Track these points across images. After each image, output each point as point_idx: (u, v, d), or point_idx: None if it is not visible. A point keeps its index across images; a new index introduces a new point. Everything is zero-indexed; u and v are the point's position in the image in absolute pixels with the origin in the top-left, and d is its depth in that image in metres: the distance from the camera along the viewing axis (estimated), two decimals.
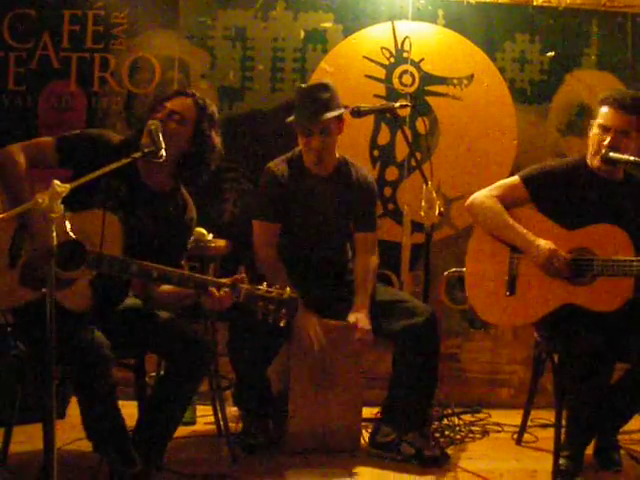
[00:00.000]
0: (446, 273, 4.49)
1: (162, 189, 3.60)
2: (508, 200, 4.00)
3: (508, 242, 3.95)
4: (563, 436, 3.79)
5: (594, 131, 3.88)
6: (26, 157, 3.34)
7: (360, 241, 4.37)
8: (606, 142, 3.80)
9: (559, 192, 3.94)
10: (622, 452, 4.07)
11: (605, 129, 3.82)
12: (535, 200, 4.00)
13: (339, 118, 4.18)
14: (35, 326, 3.18)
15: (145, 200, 3.55)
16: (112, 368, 3.28)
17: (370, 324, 4.09)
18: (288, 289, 3.30)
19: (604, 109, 3.84)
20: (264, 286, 3.32)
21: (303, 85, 4.29)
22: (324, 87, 4.16)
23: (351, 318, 4.10)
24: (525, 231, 3.89)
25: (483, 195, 4.05)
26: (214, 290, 3.30)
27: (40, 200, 2.65)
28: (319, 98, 4.09)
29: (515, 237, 3.91)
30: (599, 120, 3.85)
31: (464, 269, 4.07)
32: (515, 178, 4.06)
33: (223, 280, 3.34)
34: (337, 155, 4.29)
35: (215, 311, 3.56)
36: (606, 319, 3.68)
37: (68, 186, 2.72)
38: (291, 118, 4.21)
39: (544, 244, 3.82)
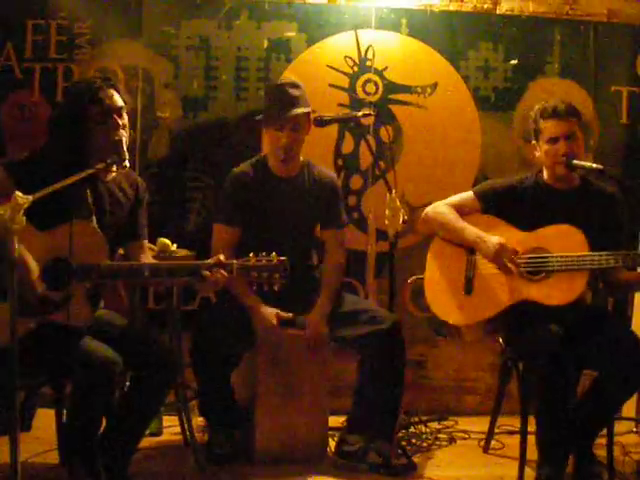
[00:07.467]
0: (409, 280, 4.50)
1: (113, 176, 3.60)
2: (462, 211, 4.10)
3: (462, 242, 4.03)
4: (538, 455, 3.76)
5: (544, 147, 3.98)
6: None
7: (327, 238, 4.39)
8: (561, 152, 3.92)
9: (511, 207, 4.04)
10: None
11: (554, 140, 3.94)
12: (487, 213, 4.09)
13: (308, 117, 4.22)
14: (43, 350, 3.20)
15: (107, 193, 3.55)
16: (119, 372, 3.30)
17: (324, 326, 4.13)
18: (274, 254, 3.39)
19: (546, 123, 3.96)
20: (252, 257, 3.40)
21: (272, 83, 4.35)
22: (294, 85, 4.21)
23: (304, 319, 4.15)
24: (477, 230, 3.99)
25: (437, 204, 4.17)
26: (208, 273, 3.33)
27: (1, 212, 2.63)
28: (291, 94, 4.14)
29: (468, 235, 4.00)
30: (545, 135, 3.96)
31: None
32: (469, 192, 4.18)
33: (208, 261, 3.39)
34: (301, 158, 4.32)
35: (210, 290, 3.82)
36: (563, 320, 3.73)
37: (30, 197, 2.70)
38: (259, 117, 4.27)
39: (494, 239, 3.90)
